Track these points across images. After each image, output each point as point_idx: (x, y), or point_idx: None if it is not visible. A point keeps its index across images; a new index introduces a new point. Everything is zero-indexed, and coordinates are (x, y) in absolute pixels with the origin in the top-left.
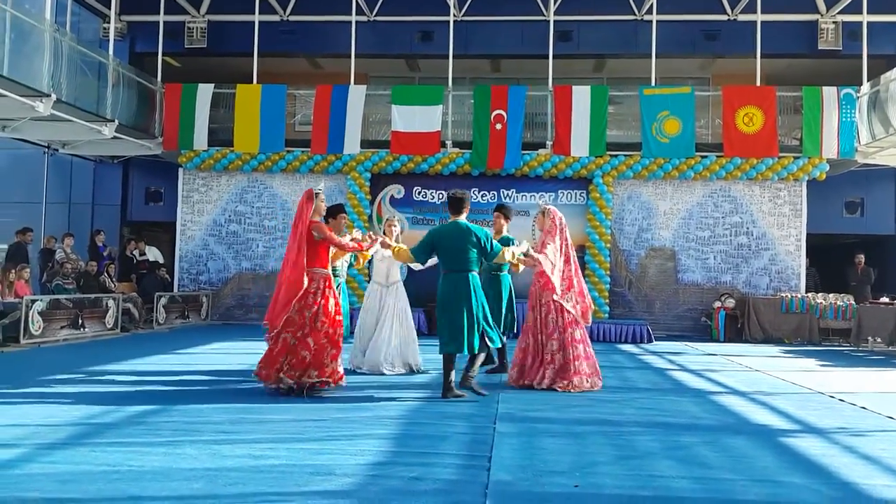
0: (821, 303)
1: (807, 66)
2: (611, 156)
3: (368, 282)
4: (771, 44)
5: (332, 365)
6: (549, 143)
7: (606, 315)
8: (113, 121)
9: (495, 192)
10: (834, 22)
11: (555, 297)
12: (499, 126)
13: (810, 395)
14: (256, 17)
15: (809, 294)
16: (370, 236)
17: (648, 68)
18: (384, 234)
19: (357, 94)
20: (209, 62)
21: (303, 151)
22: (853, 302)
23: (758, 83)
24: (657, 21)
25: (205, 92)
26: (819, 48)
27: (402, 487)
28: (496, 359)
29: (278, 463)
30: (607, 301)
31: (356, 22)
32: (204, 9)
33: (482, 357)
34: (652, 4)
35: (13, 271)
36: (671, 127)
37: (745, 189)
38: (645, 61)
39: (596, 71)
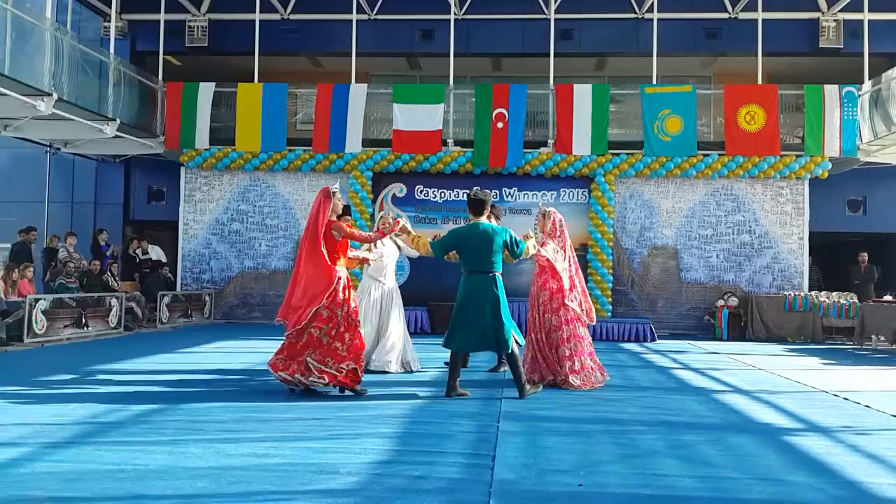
0: (824, 301)
1: (808, 65)
2: (612, 154)
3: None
4: (772, 42)
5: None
6: (550, 141)
7: (609, 314)
8: (114, 120)
9: (497, 191)
10: (835, 20)
11: (566, 301)
12: (500, 124)
13: (814, 393)
14: (257, 16)
15: (813, 292)
16: (390, 220)
17: (650, 67)
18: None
19: (358, 93)
20: (210, 61)
21: (304, 150)
22: (856, 300)
23: (759, 81)
24: (658, 19)
25: (206, 91)
26: (820, 46)
27: (406, 486)
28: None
29: (282, 461)
30: (610, 300)
31: (357, 20)
32: (205, 7)
33: (520, 359)
34: (653, 3)
35: (17, 270)
36: (673, 125)
37: (747, 187)
38: (646, 60)
39: (597, 69)
